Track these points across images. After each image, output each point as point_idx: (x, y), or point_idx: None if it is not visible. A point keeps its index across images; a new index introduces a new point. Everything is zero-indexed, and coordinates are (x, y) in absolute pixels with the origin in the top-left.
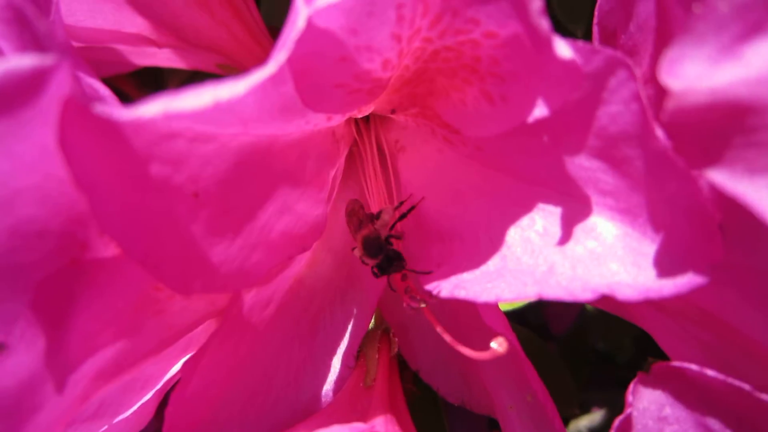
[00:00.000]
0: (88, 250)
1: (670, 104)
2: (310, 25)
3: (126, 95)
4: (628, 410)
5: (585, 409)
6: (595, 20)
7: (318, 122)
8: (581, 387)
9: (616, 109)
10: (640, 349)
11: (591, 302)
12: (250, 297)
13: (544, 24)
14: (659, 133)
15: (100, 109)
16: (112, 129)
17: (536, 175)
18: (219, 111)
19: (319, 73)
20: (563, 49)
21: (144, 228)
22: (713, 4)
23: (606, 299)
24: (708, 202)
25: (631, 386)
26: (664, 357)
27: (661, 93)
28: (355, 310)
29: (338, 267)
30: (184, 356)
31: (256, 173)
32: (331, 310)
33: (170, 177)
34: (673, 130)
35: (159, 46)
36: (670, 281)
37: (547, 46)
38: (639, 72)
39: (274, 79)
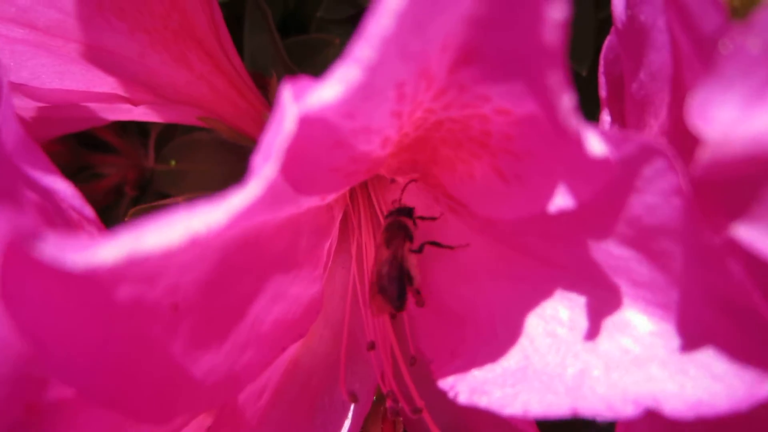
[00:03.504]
0: (48, 389)
1: (705, 155)
2: (300, 119)
3: (106, 144)
4: None
5: None
6: (600, 69)
7: (312, 203)
8: None
9: (653, 201)
10: None
11: (634, 420)
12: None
13: (574, 123)
14: (705, 237)
15: (47, 254)
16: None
17: (557, 257)
18: (197, 244)
19: (312, 161)
20: (596, 145)
21: (110, 366)
22: (741, 44)
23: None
24: (764, 308)
25: None
26: None
27: (684, 143)
28: (357, 386)
29: (337, 341)
30: None
31: (244, 268)
32: (330, 389)
33: (143, 296)
34: (703, 184)
35: (134, 103)
36: (724, 394)
37: (576, 142)
38: (657, 124)
39: (270, 184)
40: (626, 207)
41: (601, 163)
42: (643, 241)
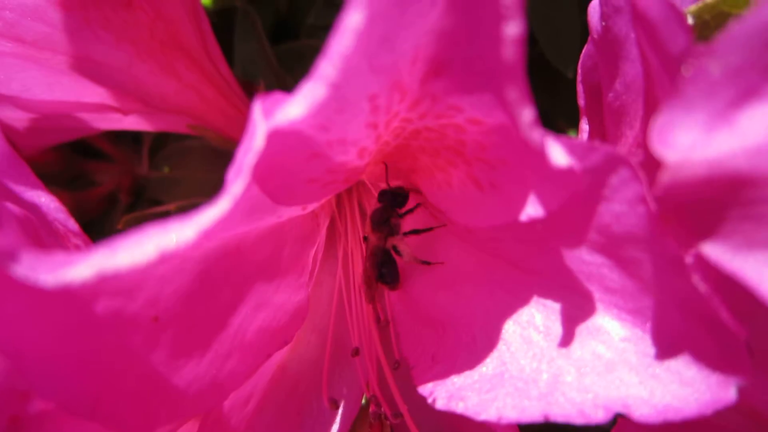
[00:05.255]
0: (32, 401)
1: (665, 177)
2: (272, 133)
3: (101, 152)
4: None
5: None
6: (578, 77)
7: (293, 213)
8: None
9: (619, 209)
10: None
11: (604, 424)
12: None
13: (536, 136)
14: (669, 242)
15: (21, 273)
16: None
17: (533, 264)
18: (168, 258)
19: (289, 172)
20: (559, 156)
21: (91, 377)
22: (704, 68)
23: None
24: (728, 318)
25: None
26: None
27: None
28: (344, 390)
29: (324, 346)
30: None
31: (225, 278)
32: (317, 394)
33: (122, 308)
34: (668, 203)
35: (124, 113)
36: (692, 398)
37: (541, 154)
38: (632, 135)
39: (239, 200)
40: (596, 215)
41: (566, 174)
42: (613, 248)
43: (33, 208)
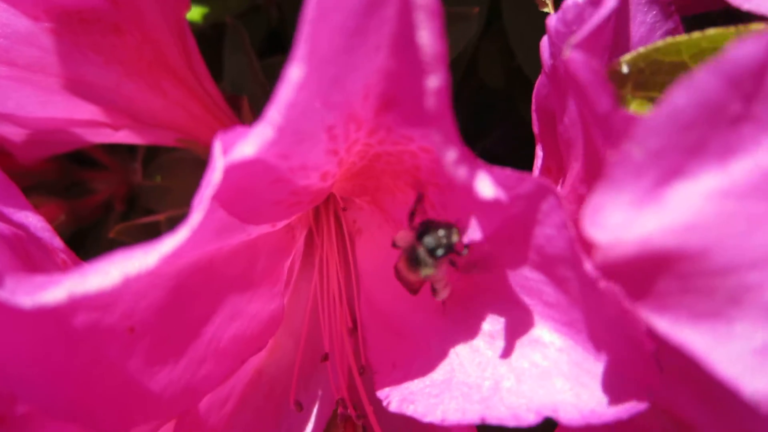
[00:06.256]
0: (18, 402)
1: (598, 257)
2: (230, 167)
3: (96, 162)
4: None
5: None
6: (533, 106)
7: (262, 230)
8: None
9: (550, 233)
10: None
11: (533, 426)
12: (206, 398)
13: (461, 173)
14: (587, 265)
15: (2, 296)
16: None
17: (483, 280)
18: (132, 282)
19: (253, 196)
20: (485, 189)
21: (70, 383)
22: (627, 152)
23: None
24: (642, 333)
25: None
26: None
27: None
28: (320, 392)
29: (301, 350)
30: None
31: (198, 291)
32: (294, 395)
33: (99, 321)
34: (608, 273)
35: (115, 128)
36: (612, 405)
37: (468, 188)
38: (577, 167)
39: (198, 228)
40: (534, 236)
41: (494, 203)
42: (548, 266)
43: (23, 226)
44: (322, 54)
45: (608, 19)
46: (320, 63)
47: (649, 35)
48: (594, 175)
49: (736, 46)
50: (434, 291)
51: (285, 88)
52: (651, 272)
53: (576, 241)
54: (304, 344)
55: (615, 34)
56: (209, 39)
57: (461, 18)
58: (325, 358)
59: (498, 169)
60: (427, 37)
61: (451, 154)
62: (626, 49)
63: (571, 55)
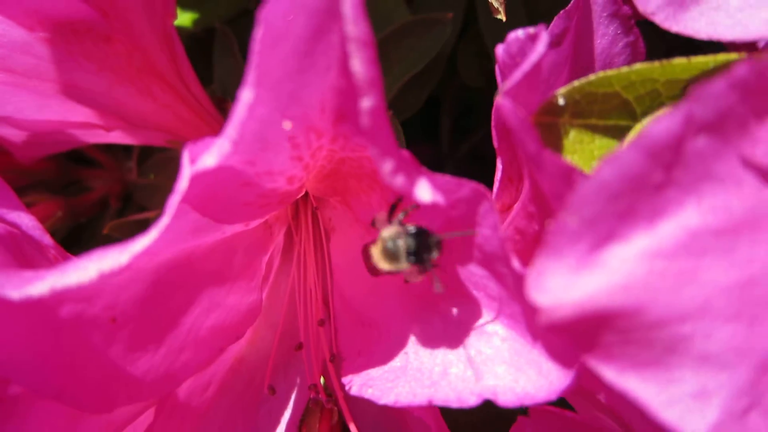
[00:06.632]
0: (10, 384)
1: (542, 319)
2: (197, 175)
3: (93, 160)
4: None
5: None
6: (492, 122)
7: (236, 229)
8: None
9: (487, 233)
10: None
11: (473, 408)
12: (188, 382)
13: (398, 181)
14: (515, 263)
15: None
16: None
17: (438, 275)
18: (107, 277)
19: (223, 199)
20: (423, 194)
21: (57, 367)
22: (563, 221)
23: None
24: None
25: None
26: None
27: (542, 207)
28: (298, 380)
29: (280, 340)
30: None
31: (177, 285)
32: (273, 383)
33: (83, 312)
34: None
35: (108, 130)
36: (545, 386)
37: (408, 193)
38: (525, 190)
39: (167, 229)
40: (475, 236)
41: (433, 206)
42: (489, 263)
43: (16, 226)
44: (276, 75)
45: (541, 60)
46: (275, 83)
47: (611, 46)
48: (538, 194)
49: (653, 123)
50: (406, 279)
51: (239, 108)
52: (594, 328)
53: (506, 241)
54: (281, 334)
55: (575, 47)
56: (201, 41)
57: (437, 22)
58: (300, 347)
59: (439, 176)
60: (359, 65)
61: (387, 165)
62: (590, 59)
63: (502, 102)
